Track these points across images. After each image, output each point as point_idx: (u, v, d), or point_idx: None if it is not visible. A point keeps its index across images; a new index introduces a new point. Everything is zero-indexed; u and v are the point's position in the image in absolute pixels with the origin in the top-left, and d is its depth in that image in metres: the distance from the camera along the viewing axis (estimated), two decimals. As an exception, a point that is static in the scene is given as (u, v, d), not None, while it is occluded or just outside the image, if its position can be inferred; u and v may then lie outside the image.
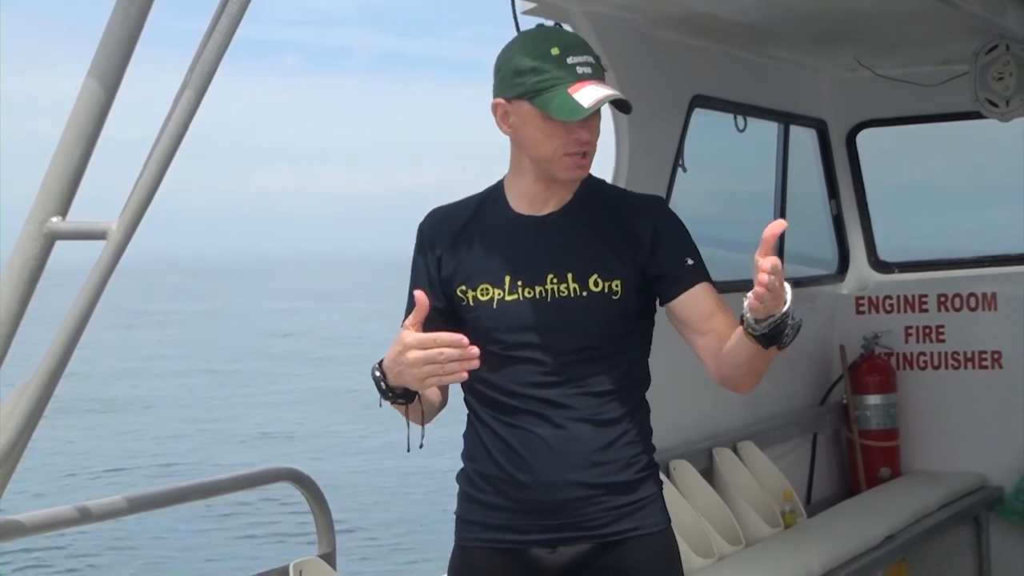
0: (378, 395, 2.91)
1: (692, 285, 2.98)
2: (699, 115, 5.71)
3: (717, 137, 6.15)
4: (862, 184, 7.10)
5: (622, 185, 5.07)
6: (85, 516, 3.43)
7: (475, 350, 2.72)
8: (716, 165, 6.32)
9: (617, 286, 2.94)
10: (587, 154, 2.94)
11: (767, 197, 6.66)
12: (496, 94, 2.95)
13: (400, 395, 2.89)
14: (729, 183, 6.65)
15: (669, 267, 2.98)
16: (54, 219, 2.98)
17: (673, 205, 5.45)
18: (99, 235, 2.95)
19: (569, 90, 2.85)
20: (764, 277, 2.61)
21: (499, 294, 2.95)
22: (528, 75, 2.87)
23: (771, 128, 6.61)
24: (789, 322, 2.73)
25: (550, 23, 4.69)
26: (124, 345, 41.82)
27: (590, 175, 3.03)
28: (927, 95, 6.50)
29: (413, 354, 2.74)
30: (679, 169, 5.54)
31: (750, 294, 2.68)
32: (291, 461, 4.77)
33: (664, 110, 5.48)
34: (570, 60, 2.88)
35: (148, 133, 2.96)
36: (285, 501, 14.67)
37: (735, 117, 6.12)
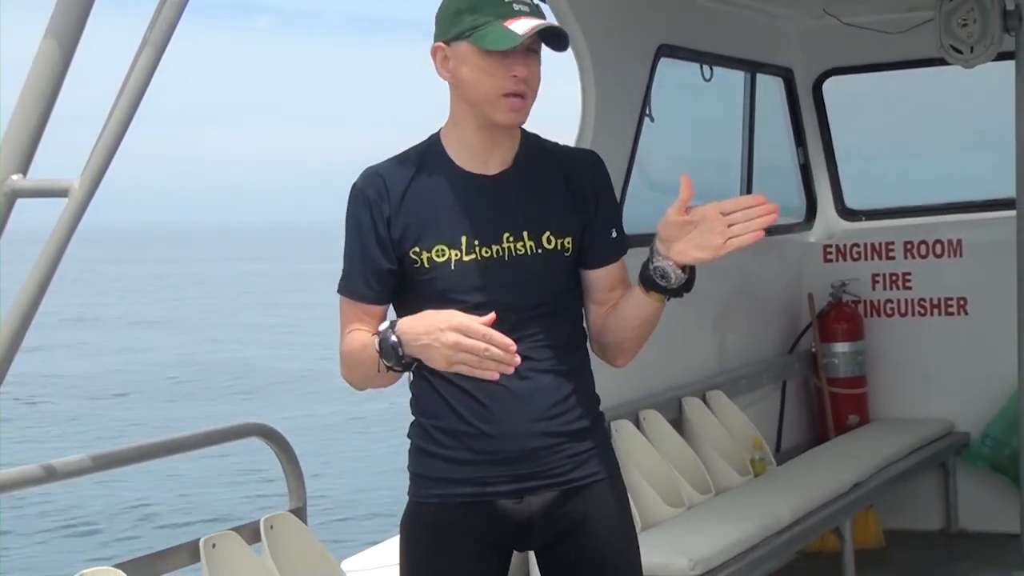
0: (378, 360, 2.86)
1: (615, 260, 3.05)
2: (665, 64, 5.68)
3: (684, 87, 6.13)
4: (829, 132, 7.11)
5: (589, 135, 5.05)
6: (50, 475, 3.40)
7: (517, 359, 2.73)
8: (683, 115, 6.29)
9: (568, 243, 2.98)
10: (524, 96, 2.91)
11: (735, 147, 6.65)
12: (436, 39, 2.95)
13: (406, 366, 2.88)
14: (697, 133, 6.63)
15: (598, 239, 3.03)
16: (15, 177, 2.95)
17: (640, 155, 5.49)
18: (61, 192, 2.92)
19: (504, 23, 2.86)
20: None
21: (456, 255, 2.94)
22: (466, 14, 2.88)
23: (738, 77, 6.59)
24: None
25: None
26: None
27: (525, 131, 3.03)
28: (893, 42, 6.50)
29: (455, 336, 2.72)
30: (646, 118, 5.52)
31: (718, 241, 2.77)
32: (261, 416, 4.76)
33: (630, 60, 5.45)
34: None
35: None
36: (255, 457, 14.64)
37: (701, 66, 6.10)
